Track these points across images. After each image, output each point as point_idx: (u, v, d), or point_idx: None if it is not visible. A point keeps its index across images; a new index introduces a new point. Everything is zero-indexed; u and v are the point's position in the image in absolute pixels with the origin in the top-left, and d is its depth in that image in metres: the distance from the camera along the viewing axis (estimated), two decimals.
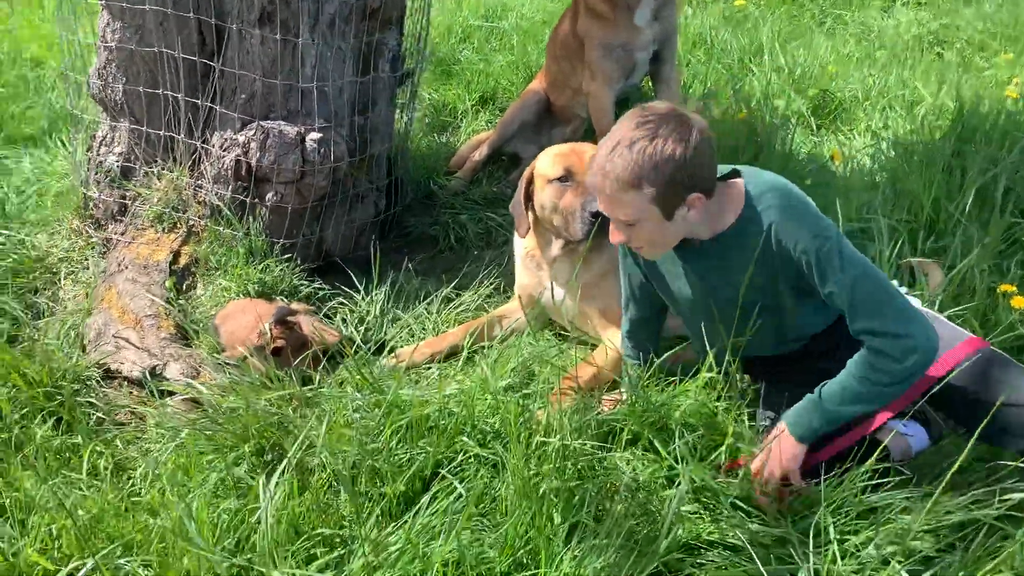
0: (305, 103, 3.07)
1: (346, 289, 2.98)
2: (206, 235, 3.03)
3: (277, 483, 1.89)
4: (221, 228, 2.99)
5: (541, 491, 1.82)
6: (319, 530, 1.83)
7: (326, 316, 2.91)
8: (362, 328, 2.84)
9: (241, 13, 2.93)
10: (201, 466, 2.04)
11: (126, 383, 2.54)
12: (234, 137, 2.95)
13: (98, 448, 2.20)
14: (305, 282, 3.01)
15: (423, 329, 2.86)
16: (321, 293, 3.01)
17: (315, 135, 2.98)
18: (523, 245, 2.82)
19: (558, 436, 1.93)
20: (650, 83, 3.91)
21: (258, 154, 2.92)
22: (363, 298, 2.92)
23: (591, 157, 2.02)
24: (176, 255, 3.00)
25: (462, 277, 3.10)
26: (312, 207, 3.06)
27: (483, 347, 2.71)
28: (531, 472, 1.88)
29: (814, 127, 3.85)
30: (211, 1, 2.97)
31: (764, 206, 1.98)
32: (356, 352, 2.61)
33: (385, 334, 2.84)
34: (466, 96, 4.44)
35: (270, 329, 2.51)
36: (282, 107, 3.03)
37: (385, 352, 2.74)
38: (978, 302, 2.47)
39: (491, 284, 3.04)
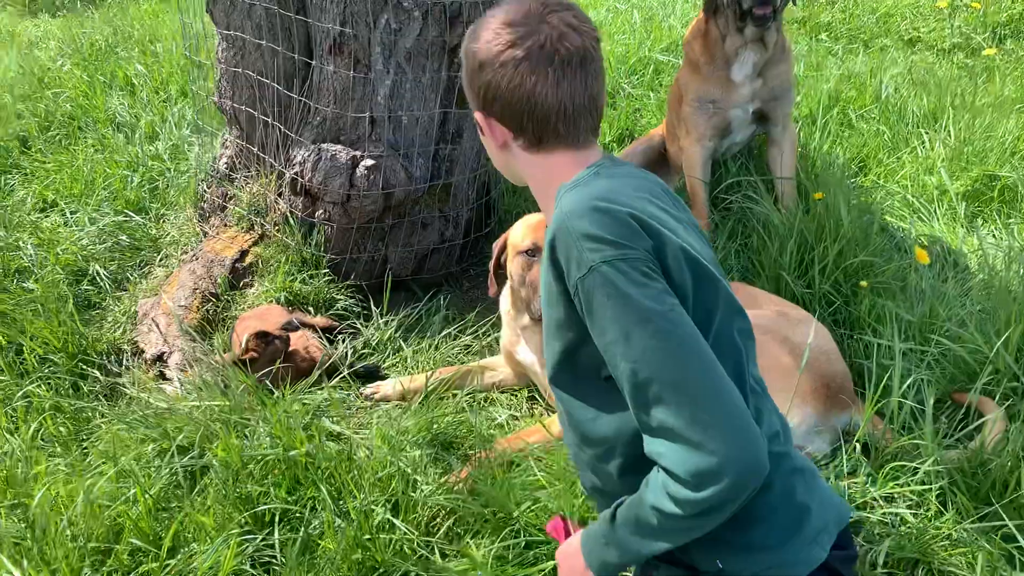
0: (376, 130, 3.24)
1: (374, 309, 3.13)
2: (274, 241, 3.33)
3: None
4: (283, 236, 3.27)
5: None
6: None
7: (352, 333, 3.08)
8: (363, 351, 2.98)
9: (320, 44, 3.17)
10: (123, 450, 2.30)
11: (146, 362, 2.91)
12: (298, 156, 3.21)
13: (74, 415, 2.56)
14: (343, 296, 3.20)
15: (417, 364, 2.91)
16: (357, 309, 3.19)
17: (368, 162, 3.14)
18: (505, 301, 2.75)
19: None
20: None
21: (310, 174, 3.14)
22: (374, 322, 3.05)
23: None
24: (244, 254, 3.33)
25: (486, 316, 3.10)
26: (364, 228, 3.24)
27: (454, 393, 2.73)
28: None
29: (960, 214, 3.24)
30: (298, 32, 3.24)
31: (559, 198, 1.47)
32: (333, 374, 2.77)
33: (379, 360, 2.94)
34: (606, 131, 4.34)
35: (247, 340, 2.72)
36: (351, 132, 3.22)
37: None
38: None
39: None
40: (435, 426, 2.40)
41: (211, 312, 3.07)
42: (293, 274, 3.18)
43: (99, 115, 4.52)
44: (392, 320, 3.09)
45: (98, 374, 2.74)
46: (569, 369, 1.46)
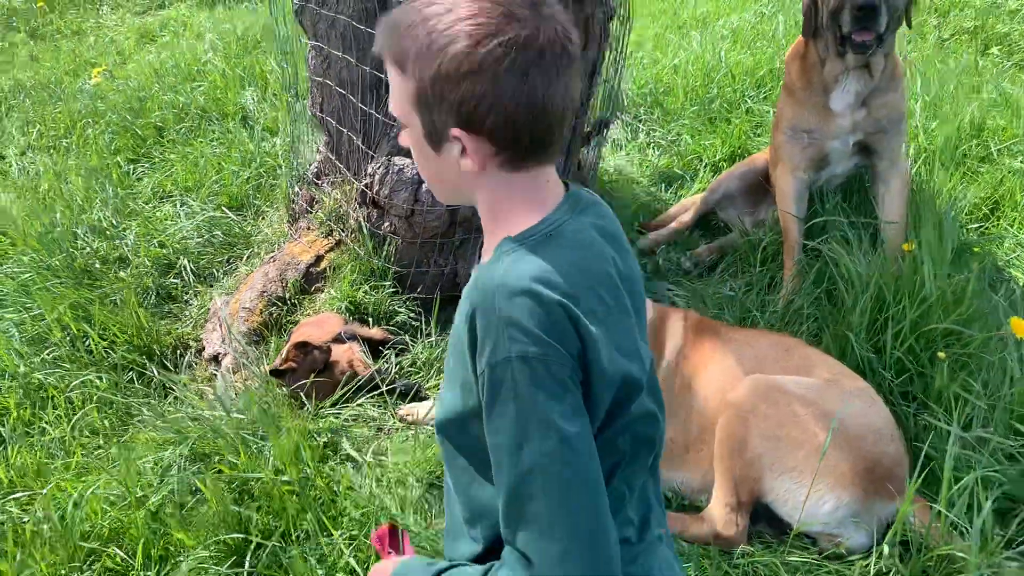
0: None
1: (432, 326, 3.10)
2: (348, 249, 3.37)
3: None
4: (355, 246, 3.30)
5: None
6: None
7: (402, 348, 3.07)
8: (410, 368, 2.95)
9: None
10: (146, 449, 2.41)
11: (204, 361, 3.03)
12: (369, 168, 3.21)
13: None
14: (404, 309, 3.19)
15: None
16: (416, 324, 3.17)
17: (408, 180, 3.10)
18: None
19: None
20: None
21: (378, 186, 3.14)
22: (424, 339, 3.01)
23: None
24: (319, 259, 3.39)
25: None
26: (431, 241, 3.21)
27: None
28: None
29: None
30: None
31: (499, 254, 1.29)
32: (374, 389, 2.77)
33: (424, 379, 2.91)
34: (719, 148, 4.08)
35: (287, 350, 2.76)
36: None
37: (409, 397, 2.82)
38: None
39: None
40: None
41: (275, 316, 3.15)
42: (359, 283, 3.20)
43: (229, 108, 4.76)
44: (445, 337, 3.04)
45: (154, 369, 2.87)
46: (459, 426, 1.33)
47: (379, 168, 3.15)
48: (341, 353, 2.87)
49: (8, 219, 3.68)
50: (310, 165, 3.70)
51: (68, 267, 3.32)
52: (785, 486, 2.08)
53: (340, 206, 3.45)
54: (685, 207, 3.71)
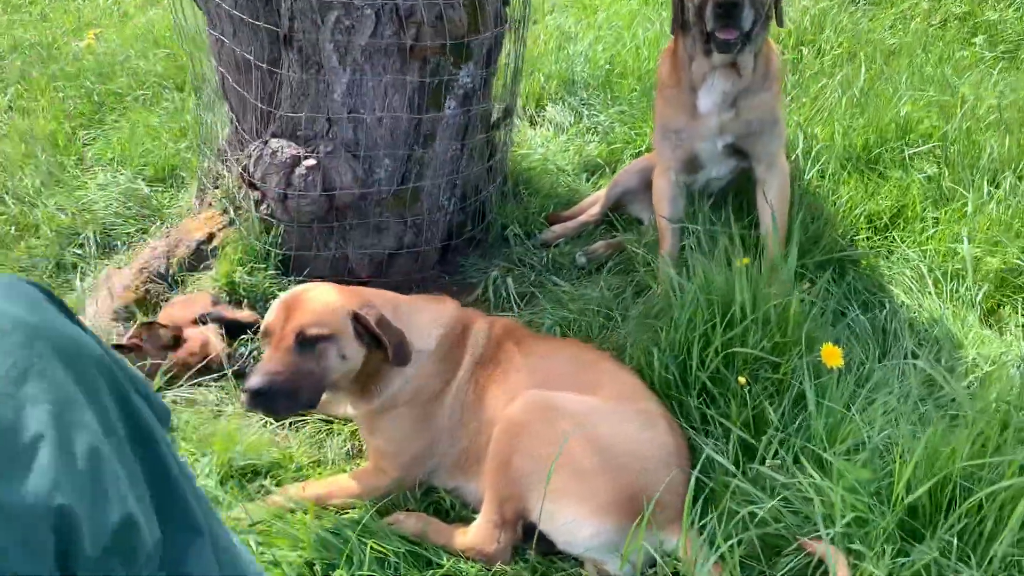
0: (333, 129, 3.16)
1: None
2: (238, 229, 3.38)
3: None
4: (242, 227, 3.31)
5: None
6: None
7: None
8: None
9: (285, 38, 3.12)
10: None
11: None
12: (248, 148, 3.21)
13: None
14: (280, 293, 3.19)
15: None
16: None
17: (310, 162, 3.07)
18: None
19: None
20: None
21: (253, 168, 3.14)
22: None
23: None
24: (211, 237, 3.42)
25: None
26: (321, 226, 3.18)
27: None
28: None
29: (977, 299, 2.56)
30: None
31: None
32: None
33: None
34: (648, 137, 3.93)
35: (135, 329, 2.80)
36: (308, 129, 3.16)
37: None
38: None
39: None
40: (239, 449, 2.34)
41: (152, 293, 3.19)
42: (241, 265, 3.21)
43: (186, 78, 4.81)
44: None
45: None
46: None
47: (255, 150, 3.14)
48: (195, 335, 2.90)
49: None
50: (219, 141, 3.71)
51: None
52: (548, 507, 2.02)
53: (238, 185, 3.46)
54: (596, 200, 3.60)
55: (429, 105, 3.23)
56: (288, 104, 3.14)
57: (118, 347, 2.73)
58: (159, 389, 2.70)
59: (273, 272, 3.21)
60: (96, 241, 3.52)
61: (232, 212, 3.38)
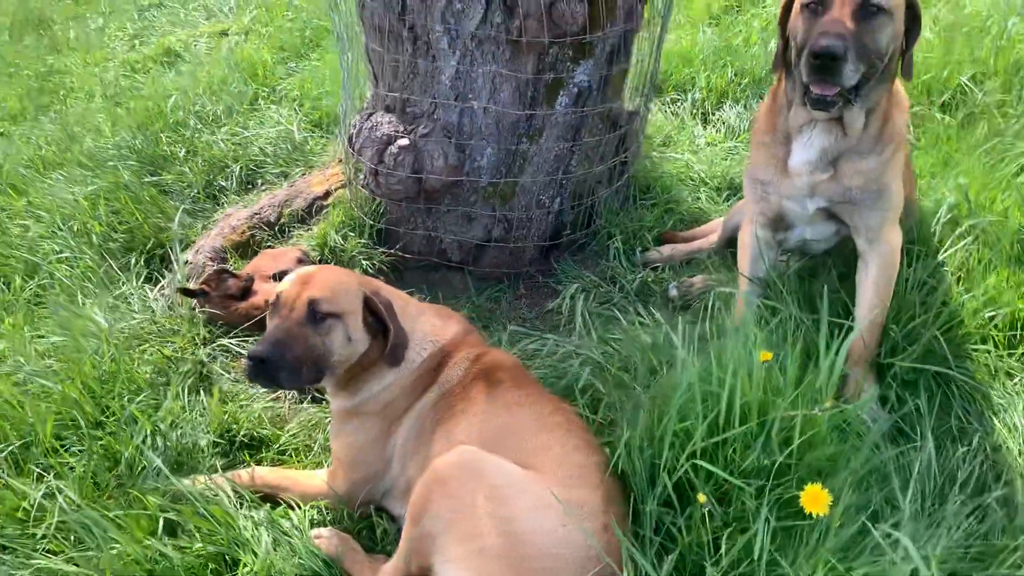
0: (438, 112, 3.08)
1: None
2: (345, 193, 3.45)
3: None
4: (348, 191, 3.38)
5: None
6: None
7: None
8: None
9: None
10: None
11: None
12: (354, 119, 3.22)
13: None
14: (369, 263, 3.22)
15: None
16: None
17: (403, 141, 3.04)
18: None
19: None
20: None
21: (356, 140, 3.16)
22: None
23: None
24: (328, 194, 3.53)
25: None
26: (413, 205, 3.16)
27: None
28: None
29: None
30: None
31: None
32: None
33: None
34: None
35: (208, 274, 2.97)
36: (415, 107, 3.11)
37: None
38: None
39: None
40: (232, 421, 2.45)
41: (256, 239, 3.38)
42: (337, 230, 3.29)
43: None
44: None
45: (140, 262, 3.26)
46: None
47: (360, 121, 3.17)
48: (265, 289, 3.03)
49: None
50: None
51: (147, 152, 3.82)
52: (447, 573, 1.91)
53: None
54: (717, 226, 3.23)
55: (543, 100, 3.05)
56: (399, 81, 3.11)
57: (185, 291, 2.93)
58: (212, 336, 2.87)
59: (366, 241, 3.26)
60: (241, 177, 3.77)
61: (350, 175, 3.46)
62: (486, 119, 3.06)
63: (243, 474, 2.28)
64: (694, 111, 4.13)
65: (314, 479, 2.29)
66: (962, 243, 2.55)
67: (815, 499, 1.79)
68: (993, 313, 2.41)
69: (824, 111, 2.12)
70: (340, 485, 2.23)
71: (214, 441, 2.39)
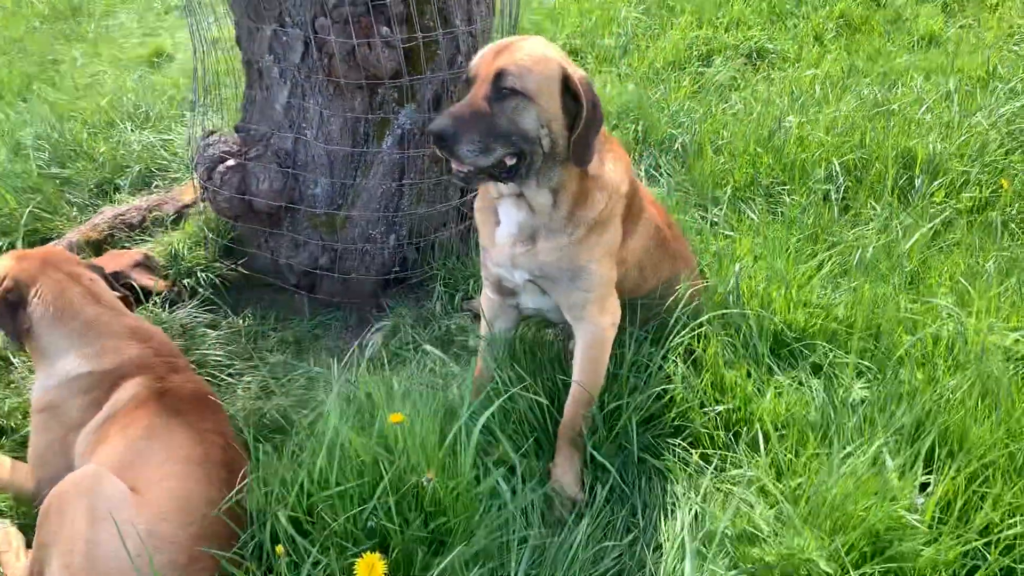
0: (274, 138, 3.18)
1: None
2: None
3: None
4: (199, 203, 3.50)
5: None
6: None
7: None
8: None
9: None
10: None
11: None
12: (200, 132, 3.35)
13: None
14: (204, 275, 3.32)
15: None
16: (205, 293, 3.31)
17: (230, 162, 3.14)
18: None
19: None
20: None
21: (195, 154, 3.28)
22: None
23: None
24: (192, 204, 3.66)
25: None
26: (249, 225, 3.27)
27: None
28: None
29: None
30: None
31: None
32: None
33: None
34: None
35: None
36: (255, 132, 3.21)
37: None
38: None
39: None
40: None
41: (114, 238, 3.55)
42: (190, 239, 3.43)
43: None
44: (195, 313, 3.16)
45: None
46: None
47: (202, 136, 3.29)
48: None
49: None
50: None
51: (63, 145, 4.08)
52: None
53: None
54: None
55: (374, 137, 3.10)
56: (242, 105, 3.22)
57: None
58: None
59: (211, 254, 3.38)
60: (139, 180, 3.97)
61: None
62: (317, 150, 3.13)
63: None
64: None
65: (13, 469, 2.40)
66: (696, 331, 2.44)
67: (368, 568, 1.78)
68: (719, 409, 2.31)
69: (466, 185, 2.11)
70: (29, 482, 2.33)
71: None
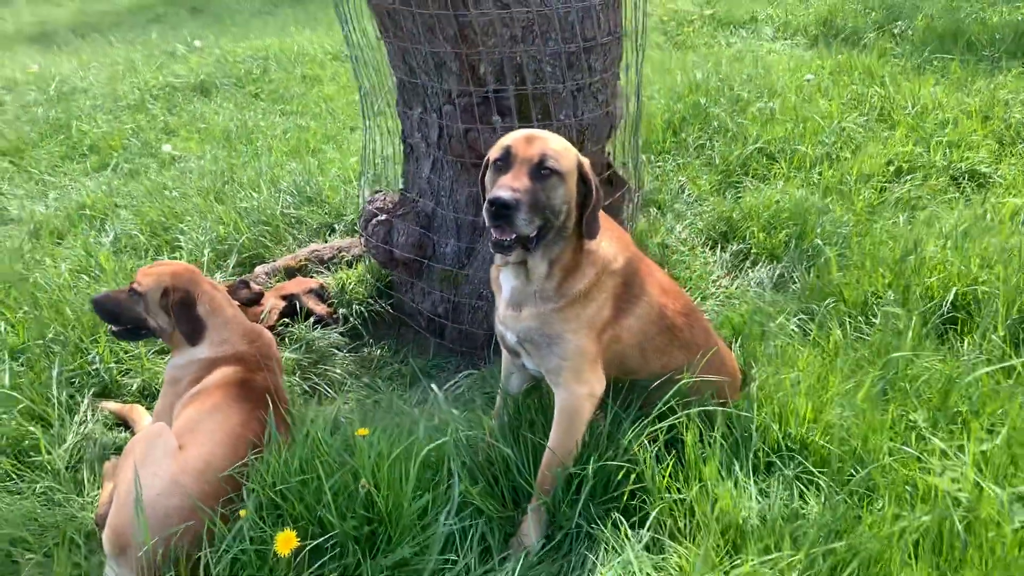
0: (421, 200, 3.76)
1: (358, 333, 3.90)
2: None
3: None
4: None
5: None
6: None
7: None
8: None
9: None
10: None
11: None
12: (367, 192, 4.01)
13: None
14: (357, 306, 3.98)
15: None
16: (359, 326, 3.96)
17: (381, 217, 3.76)
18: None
19: None
20: None
21: (361, 210, 3.95)
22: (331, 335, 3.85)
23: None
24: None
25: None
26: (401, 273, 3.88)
27: None
28: None
29: None
30: None
31: None
32: None
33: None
34: None
35: (236, 280, 3.98)
36: (409, 195, 3.81)
37: None
38: None
39: None
40: None
41: (307, 268, 4.36)
42: (358, 278, 4.14)
43: None
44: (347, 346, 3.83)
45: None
46: None
47: (369, 194, 3.97)
48: (272, 303, 3.98)
49: None
50: None
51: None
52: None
53: None
54: None
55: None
56: (403, 172, 3.87)
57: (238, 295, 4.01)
58: None
59: (366, 292, 4.05)
60: (352, 226, 4.81)
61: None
62: (448, 215, 3.66)
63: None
64: None
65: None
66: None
67: (285, 541, 2.20)
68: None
69: (502, 253, 2.40)
70: None
71: None
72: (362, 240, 3.99)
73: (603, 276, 2.49)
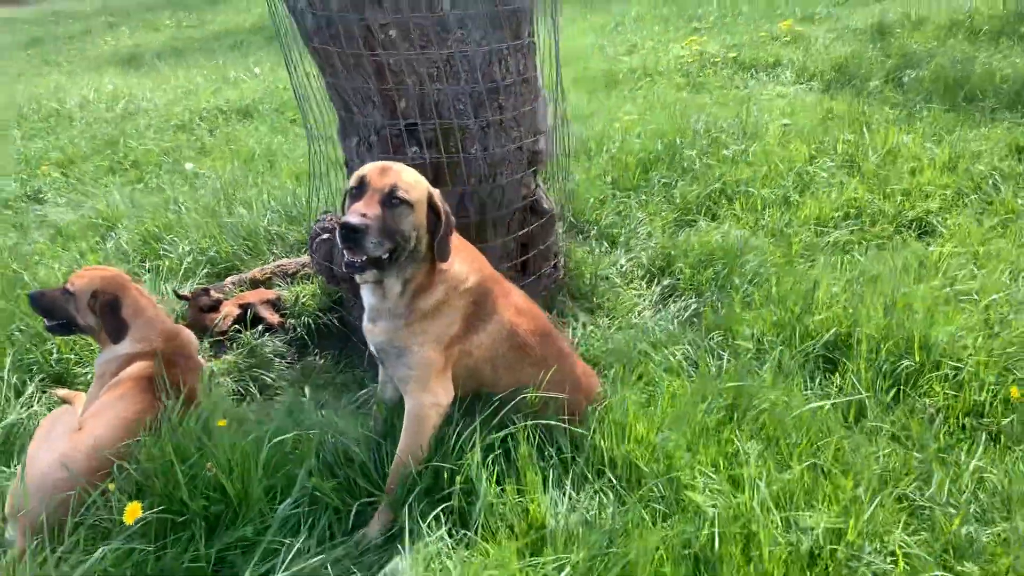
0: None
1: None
2: None
3: None
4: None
5: None
6: None
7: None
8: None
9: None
10: None
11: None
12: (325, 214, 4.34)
13: None
14: (307, 318, 4.30)
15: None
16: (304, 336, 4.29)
17: (325, 236, 4.09)
18: None
19: None
20: None
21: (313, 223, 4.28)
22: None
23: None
24: None
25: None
26: (327, 283, 4.19)
27: None
28: None
29: None
30: None
31: None
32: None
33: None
34: None
35: (196, 289, 4.36)
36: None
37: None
38: None
39: None
40: None
41: (272, 280, 4.72)
42: (312, 291, 4.47)
43: None
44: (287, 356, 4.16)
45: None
46: None
47: (321, 213, 4.30)
48: (228, 311, 4.34)
49: None
50: None
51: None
52: None
53: None
54: None
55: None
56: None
57: (177, 295, 4.39)
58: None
59: (315, 306, 4.38)
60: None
61: None
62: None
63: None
64: None
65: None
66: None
67: (131, 512, 2.51)
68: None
69: (354, 274, 2.66)
70: None
71: None
72: (308, 252, 4.32)
73: (452, 295, 2.74)
